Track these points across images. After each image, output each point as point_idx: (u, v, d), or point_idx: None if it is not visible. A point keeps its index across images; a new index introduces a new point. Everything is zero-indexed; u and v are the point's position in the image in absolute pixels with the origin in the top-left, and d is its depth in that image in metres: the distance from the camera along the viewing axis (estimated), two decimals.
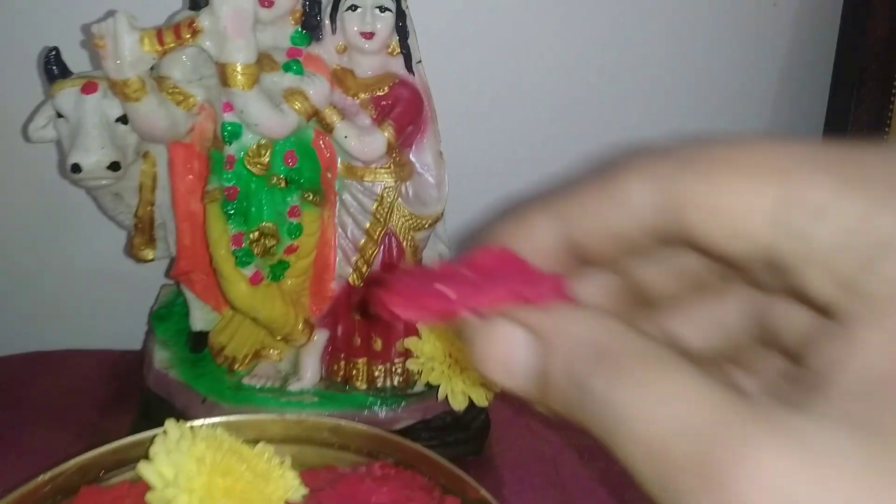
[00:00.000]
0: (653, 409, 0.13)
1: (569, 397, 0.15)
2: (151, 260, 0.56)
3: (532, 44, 0.66)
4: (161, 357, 0.56)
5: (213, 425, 0.39)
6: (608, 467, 0.57)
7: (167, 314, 0.60)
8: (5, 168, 0.63)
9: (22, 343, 0.68)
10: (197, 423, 0.38)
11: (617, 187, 0.16)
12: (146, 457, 0.36)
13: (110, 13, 0.41)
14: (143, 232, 0.54)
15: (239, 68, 0.42)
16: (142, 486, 0.37)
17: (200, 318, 0.56)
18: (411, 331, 0.52)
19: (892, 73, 0.66)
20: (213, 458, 0.35)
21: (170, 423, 0.37)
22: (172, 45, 0.42)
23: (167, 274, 0.58)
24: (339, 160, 0.51)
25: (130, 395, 0.61)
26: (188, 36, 0.42)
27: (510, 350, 0.16)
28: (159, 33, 0.42)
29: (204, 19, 0.41)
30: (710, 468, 0.12)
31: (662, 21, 0.67)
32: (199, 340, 0.56)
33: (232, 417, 0.41)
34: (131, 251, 0.55)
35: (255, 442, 0.39)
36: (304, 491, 0.37)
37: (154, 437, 0.38)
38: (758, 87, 0.72)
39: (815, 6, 0.69)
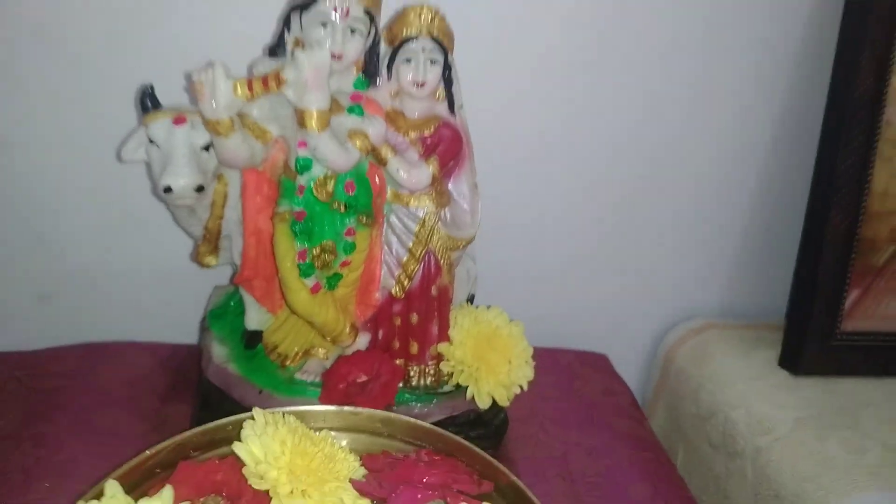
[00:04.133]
0: None
1: None
2: (214, 266, 0.63)
3: (558, 95, 0.74)
4: (219, 352, 0.63)
5: (287, 414, 0.46)
6: (613, 464, 0.66)
7: (222, 314, 0.67)
8: (89, 178, 0.70)
9: (83, 334, 0.75)
10: (277, 411, 0.46)
11: None
12: (237, 438, 0.43)
13: (209, 63, 0.49)
14: (209, 242, 0.61)
15: (315, 114, 0.50)
16: (228, 462, 0.45)
17: (256, 318, 0.63)
18: (444, 337, 0.60)
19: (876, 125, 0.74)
20: (293, 441, 0.43)
21: (257, 411, 0.45)
22: (260, 92, 0.49)
23: (231, 280, 0.65)
24: (388, 188, 0.58)
25: (186, 385, 0.69)
26: (274, 86, 0.49)
27: None
28: (249, 82, 0.49)
29: (289, 72, 0.49)
30: None
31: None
32: (252, 338, 0.63)
33: (300, 408, 0.49)
34: (197, 257, 0.63)
35: (318, 430, 0.47)
36: (364, 471, 0.45)
37: (239, 421, 0.45)
38: (756, 133, 0.80)
39: (810, 57, 0.77)
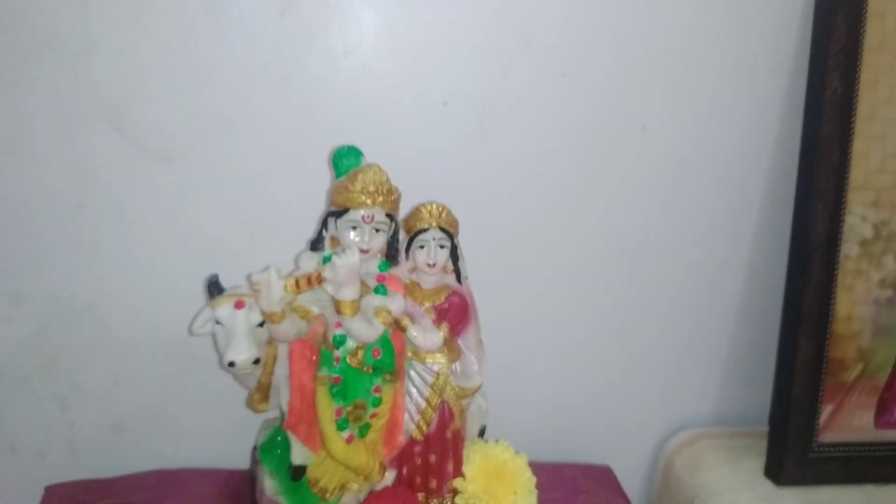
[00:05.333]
0: None
1: None
2: (265, 411, 0.75)
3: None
4: (270, 485, 0.74)
5: None
6: None
7: (270, 447, 0.78)
8: (160, 327, 0.84)
9: (151, 460, 0.87)
10: None
11: None
12: None
13: (266, 268, 0.62)
14: (261, 392, 0.74)
15: (348, 304, 0.62)
16: None
17: (300, 455, 0.74)
18: (458, 473, 0.71)
19: (833, 260, 0.85)
20: None
21: None
22: (305, 288, 0.62)
23: (280, 425, 0.77)
24: (408, 346, 0.70)
25: None
26: (316, 283, 0.62)
27: None
28: (297, 281, 0.62)
29: (327, 272, 0.62)
30: None
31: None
32: (297, 472, 0.74)
33: None
34: (251, 404, 0.75)
35: None
36: None
37: None
38: (731, 268, 0.92)
39: (776, 201, 0.89)
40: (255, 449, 0.81)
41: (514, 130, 0.83)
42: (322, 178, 0.78)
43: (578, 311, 0.90)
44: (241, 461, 0.87)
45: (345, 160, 0.65)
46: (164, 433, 0.89)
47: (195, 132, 0.79)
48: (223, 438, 0.88)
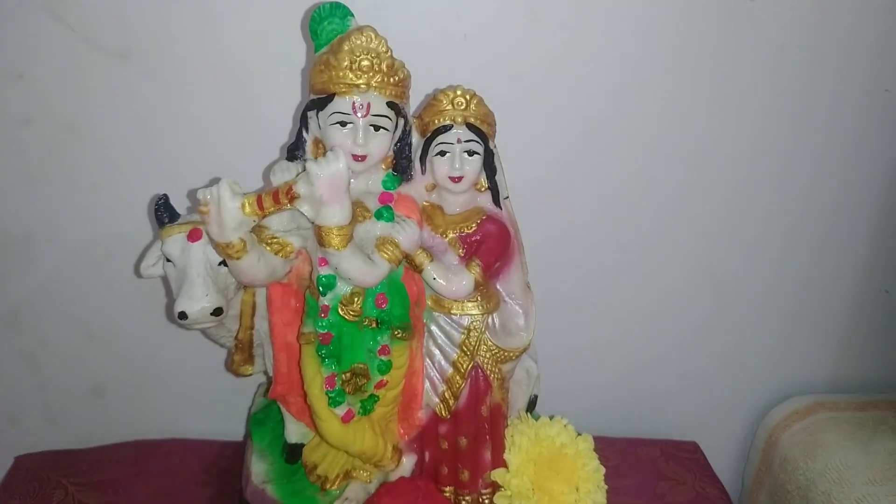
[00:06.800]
0: None
1: None
2: (250, 374, 0.58)
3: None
4: (258, 470, 0.58)
5: None
6: None
7: (264, 418, 0.63)
8: (126, 284, 0.69)
9: (135, 428, 0.73)
10: None
11: None
12: None
13: (214, 180, 0.43)
14: (242, 351, 0.57)
15: (334, 230, 0.44)
16: None
17: (295, 431, 0.58)
18: (499, 462, 0.53)
19: None
20: None
21: None
22: (272, 209, 0.44)
23: (265, 394, 0.61)
24: (427, 293, 0.51)
25: (229, 495, 0.65)
26: (286, 202, 0.44)
27: None
28: (259, 199, 0.44)
29: (301, 187, 0.43)
30: None
31: None
32: (293, 452, 0.58)
33: None
34: (232, 367, 0.58)
35: None
36: None
37: None
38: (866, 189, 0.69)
39: None
40: (248, 419, 0.65)
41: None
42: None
43: (658, 248, 0.70)
44: (237, 432, 0.72)
45: (326, 23, 0.45)
46: (149, 396, 0.76)
47: (156, 22, 0.62)
48: (217, 403, 0.73)
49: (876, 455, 0.68)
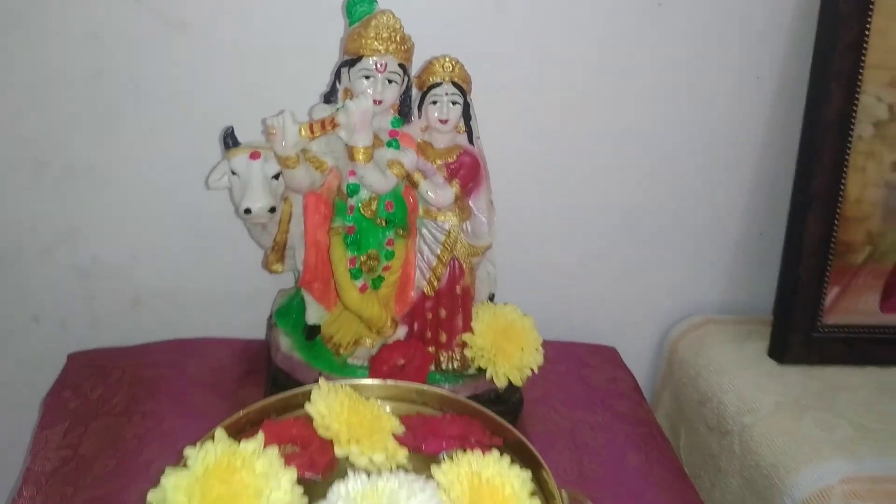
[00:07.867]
0: None
1: None
2: (281, 272, 0.77)
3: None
4: (285, 343, 0.77)
5: (344, 385, 0.60)
6: (613, 437, 0.77)
7: (286, 312, 0.81)
8: (176, 204, 0.86)
9: (170, 332, 0.90)
10: (336, 383, 0.59)
11: None
12: (308, 401, 0.56)
13: (280, 112, 0.62)
14: (277, 252, 0.75)
15: (361, 150, 0.63)
16: (301, 421, 0.58)
17: (315, 314, 0.76)
18: (468, 328, 0.73)
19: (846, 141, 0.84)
20: (349, 403, 0.56)
21: (322, 381, 0.58)
22: (319, 133, 0.63)
23: (295, 283, 0.79)
24: (420, 205, 0.71)
25: (257, 372, 0.83)
26: (330, 128, 0.63)
27: None
28: (311, 126, 0.63)
29: (340, 117, 0.63)
30: None
31: None
32: (312, 331, 0.77)
33: (353, 381, 0.62)
34: (267, 265, 0.76)
35: (367, 398, 0.60)
36: (402, 428, 0.58)
37: (308, 391, 0.58)
38: (744, 150, 0.92)
39: (791, 82, 0.88)
40: (270, 317, 0.83)
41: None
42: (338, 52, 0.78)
43: (590, 191, 0.91)
44: (258, 331, 0.89)
45: (358, 6, 0.65)
46: (182, 307, 0.91)
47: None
48: (240, 309, 0.91)
49: (746, 351, 0.90)
